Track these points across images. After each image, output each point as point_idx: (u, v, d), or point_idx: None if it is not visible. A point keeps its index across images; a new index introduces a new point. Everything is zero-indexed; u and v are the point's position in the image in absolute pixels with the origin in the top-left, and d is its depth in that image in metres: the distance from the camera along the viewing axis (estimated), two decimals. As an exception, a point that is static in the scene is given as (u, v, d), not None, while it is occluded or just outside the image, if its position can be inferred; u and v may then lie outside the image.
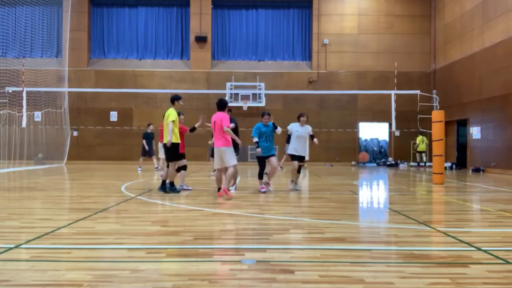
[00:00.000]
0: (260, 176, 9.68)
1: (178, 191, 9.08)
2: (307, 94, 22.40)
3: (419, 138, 21.25)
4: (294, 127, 9.90)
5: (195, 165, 20.01)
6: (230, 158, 8.44)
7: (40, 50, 23.09)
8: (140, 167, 16.79)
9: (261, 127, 9.49)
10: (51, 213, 6.74)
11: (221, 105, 8.67)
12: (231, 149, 8.47)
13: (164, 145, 8.83)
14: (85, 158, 22.28)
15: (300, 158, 9.92)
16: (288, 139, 10.08)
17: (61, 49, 22.88)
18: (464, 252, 4.37)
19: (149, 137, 16.63)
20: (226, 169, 8.67)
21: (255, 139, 9.40)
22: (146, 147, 16.51)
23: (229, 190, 8.58)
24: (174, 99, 9.11)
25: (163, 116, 9.12)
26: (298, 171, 10.00)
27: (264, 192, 9.33)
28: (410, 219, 6.22)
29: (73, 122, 22.39)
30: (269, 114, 9.65)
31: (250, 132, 15.49)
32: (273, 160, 9.55)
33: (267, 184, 9.73)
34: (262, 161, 9.65)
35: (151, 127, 16.93)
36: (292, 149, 9.95)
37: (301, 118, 9.89)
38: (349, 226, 5.73)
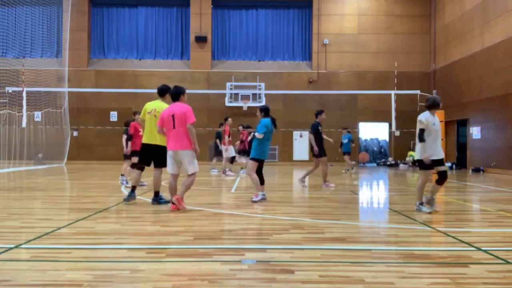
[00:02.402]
0: (262, 182, 8.18)
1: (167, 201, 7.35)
2: (307, 94, 22.39)
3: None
4: (430, 118, 6.73)
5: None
6: (193, 163, 6.63)
7: (40, 50, 23.09)
8: (214, 169, 15.76)
9: (269, 125, 8.04)
10: (51, 213, 6.74)
11: (177, 93, 6.80)
12: (193, 152, 6.66)
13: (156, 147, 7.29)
14: (85, 158, 22.27)
15: (438, 162, 6.75)
16: (421, 135, 6.68)
17: (61, 49, 22.89)
18: (464, 252, 4.37)
19: (221, 136, 15.40)
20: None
21: (260, 135, 7.92)
22: (220, 146, 15.35)
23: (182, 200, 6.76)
24: (167, 90, 7.39)
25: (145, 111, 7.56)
26: (440, 181, 6.70)
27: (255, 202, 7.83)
28: (410, 219, 6.22)
29: (73, 122, 22.39)
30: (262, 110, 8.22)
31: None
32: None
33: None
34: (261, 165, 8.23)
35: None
36: (428, 150, 6.67)
37: (441, 104, 6.96)
38: (349, 226, 5.73)
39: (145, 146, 7.44)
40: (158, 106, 7.41)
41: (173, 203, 6.68)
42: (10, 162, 17.13)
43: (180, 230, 5.34)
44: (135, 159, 10.22)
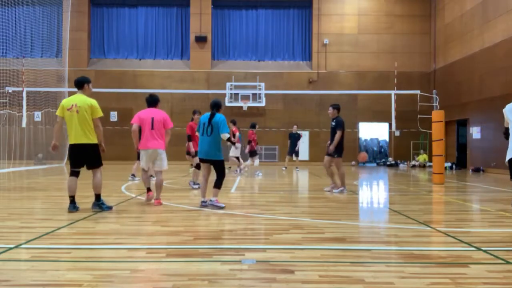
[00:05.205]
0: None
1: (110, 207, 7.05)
2: (307, 94, 22.38)
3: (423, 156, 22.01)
4: None
5: (195, 165, 20.00)
6: (166, 161, 7.58)
7: (40, 50, 23.09)
8: (286, 167, 18.59)
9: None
10: (51, 213, 6.74)
11: (153, 101, 7.68)
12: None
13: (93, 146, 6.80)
14: (85, 158, 22.23)
15: None
16: (506, 132, 6.12)
17: (61, 49, 22.89)
18: (464, 252, 4.37)
19: (294, 136, 17.88)
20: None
21: (227, 136, 7.24)
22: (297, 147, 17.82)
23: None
24: (85, 81, 6.82)
25: (90, 106, 6.65)
26: None
27: (223, 208, 6.99)
28: (410, 219, 6.22)
29: (73, 122, 22.35)
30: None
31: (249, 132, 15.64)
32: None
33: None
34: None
35: (295, 127, 18.23)
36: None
37: None
38: (349, 226, 5.73)
39: (74, 147, 6.69)
40: (79, 100, 6.61)
41: (149, 189, 7.76)
42: (10, 162, 17.12)
43: (180, 230, 5.34)
44: (197, 159, 10.11)
